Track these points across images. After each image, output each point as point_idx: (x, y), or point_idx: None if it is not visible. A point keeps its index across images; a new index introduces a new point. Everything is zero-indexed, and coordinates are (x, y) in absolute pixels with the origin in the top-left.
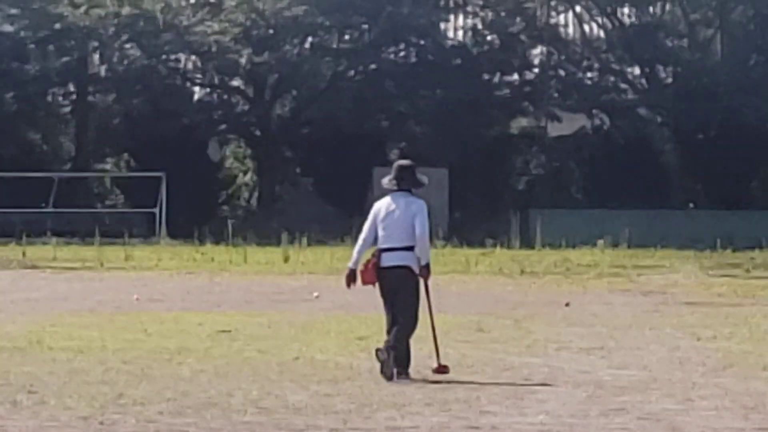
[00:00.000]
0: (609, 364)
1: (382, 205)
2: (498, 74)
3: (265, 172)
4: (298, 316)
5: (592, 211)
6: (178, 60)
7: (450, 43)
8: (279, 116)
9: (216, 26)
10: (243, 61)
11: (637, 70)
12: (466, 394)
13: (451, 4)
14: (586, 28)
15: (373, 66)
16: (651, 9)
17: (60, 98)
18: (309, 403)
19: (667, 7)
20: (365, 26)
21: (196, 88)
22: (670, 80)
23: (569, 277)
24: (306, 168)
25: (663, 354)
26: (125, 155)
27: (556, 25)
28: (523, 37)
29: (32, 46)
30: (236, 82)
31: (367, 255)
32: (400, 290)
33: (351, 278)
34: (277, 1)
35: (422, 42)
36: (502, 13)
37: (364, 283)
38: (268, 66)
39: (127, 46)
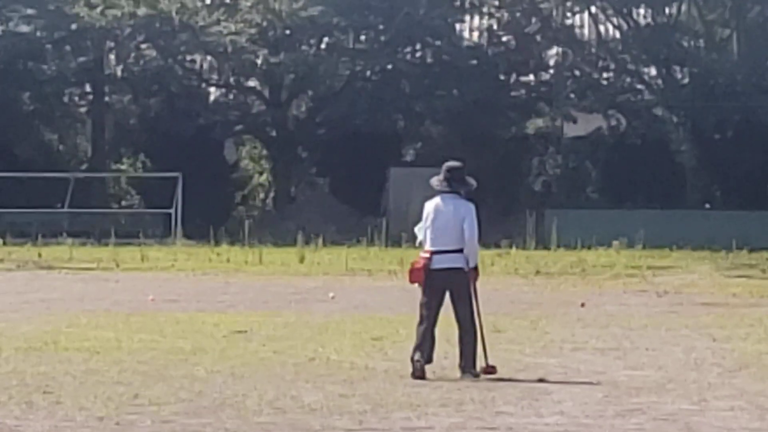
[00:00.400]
0: (624, 365)
1: (431, 207)
2: (514, 75)
3: (281, 172)
4: (314, 316)
5: (608, 211)
6: (193, 60)
7: (466, 43)
8: (295, 117)
9: (232, 27)
10: (259, 61)
11: (653, 71)
12: (482, 395)
13: (467, 4)
14: (602, 28)
15: (389, 66)
16: (667, 9)
17: (76, 98)
18: (324, 404)
19: (683, 7)
20: (381, 27)
21: (212, 89)
22: (686, 80)
23: (585, 278)
24: (322, 168)
25: (678, 355)
26: (141, 155)
27: (572, 25)
28: (538, 37)
29: (48, 46)
30: (252, 83)
31: (414, 255)
32: (453, 293)
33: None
34: (293, 2)
35: (438, 42)
36: (518, 14)
37: (411, 281)
38: (284, 66)
39: (143, 46)
